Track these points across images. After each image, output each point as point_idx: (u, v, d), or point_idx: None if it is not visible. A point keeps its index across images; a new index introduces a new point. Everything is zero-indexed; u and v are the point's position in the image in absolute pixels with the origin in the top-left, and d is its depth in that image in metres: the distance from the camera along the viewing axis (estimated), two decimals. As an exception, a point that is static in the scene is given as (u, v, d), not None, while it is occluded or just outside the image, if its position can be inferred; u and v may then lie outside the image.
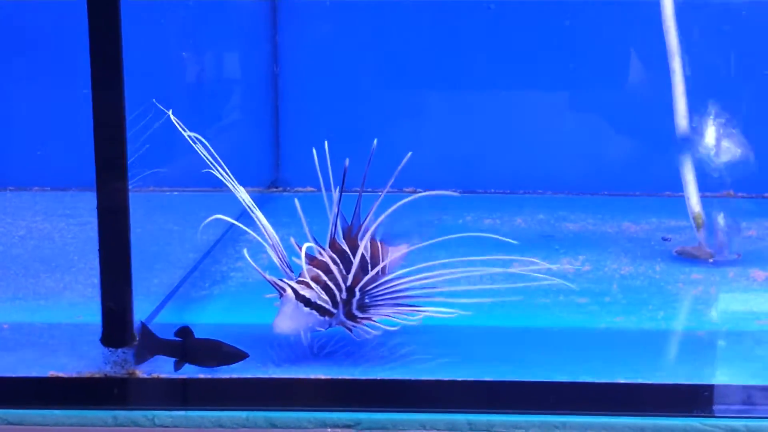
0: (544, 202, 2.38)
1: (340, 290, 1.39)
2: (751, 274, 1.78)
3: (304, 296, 1.37)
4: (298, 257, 1.39)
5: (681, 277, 1.78)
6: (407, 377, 1.33)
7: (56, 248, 1.98)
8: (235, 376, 1.32)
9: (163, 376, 1.33)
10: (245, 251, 1.44)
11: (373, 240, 1.44)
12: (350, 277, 1.39)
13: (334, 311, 1.39)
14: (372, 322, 1.41)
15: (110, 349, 1.37)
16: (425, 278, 1.39)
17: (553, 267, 1.74)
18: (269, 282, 1.38)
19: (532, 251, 1.80)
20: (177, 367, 1.32)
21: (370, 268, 1.42)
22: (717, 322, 1.58)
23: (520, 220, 2.19)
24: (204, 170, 1.46)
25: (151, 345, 1.33)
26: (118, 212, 1.37)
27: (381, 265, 1.42)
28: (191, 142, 1.44)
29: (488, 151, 2.47)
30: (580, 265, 1.83)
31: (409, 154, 1.39)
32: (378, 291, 1.41)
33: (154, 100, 1.45)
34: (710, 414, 1.27)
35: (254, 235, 1.43)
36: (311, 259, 1.41)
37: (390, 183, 1.39)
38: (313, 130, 2.49)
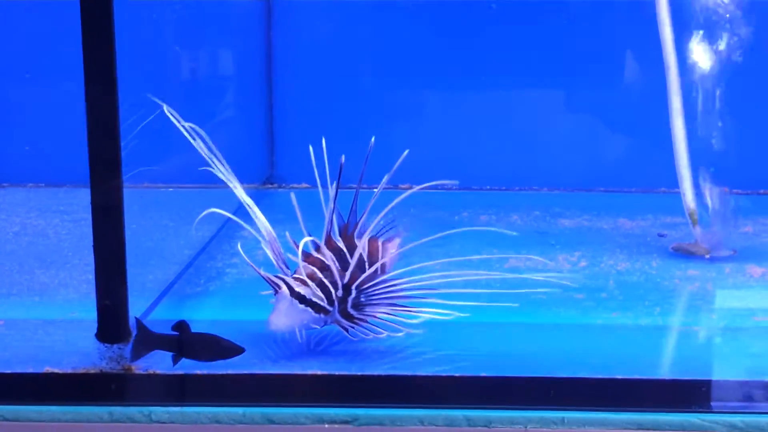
0: (540, 198, 2.38)
1: (336, 288, 1.38)
2: (747, 270, 1.78)
3: (299, 293, 1.36)
4: (294, 254, 1.38)
5: (677, 273, 1.78)
6: (405, 373, 1.32)
7: (51, 244, 1.97)
8: (231, 372, 1.32)
9: (159, 371, 1.32)
10: (239, 247, 1.44)
11: (371, 238, 1.43)
12: (347, 274, 1.39)
13: (330, 309, 1.38)
14: (368, 324, 1.40)
15: (106, 344, 1.37)
16: (422, 279, 1.39)
17: (550, 263, 1.74)
18: (264, 278, 1.38)
19: (528, 248, 1.81)
20: (174, 361, 1.32)
21: (367, 266, 1.41)
22: (714, 318, 1.58)
23: (516, 216, 2.18)
24: (201, 168, 1.45)
25: (147, 340, 1.33)
26: (112, 208, 1.37)
27: (378, 263, 1.41)
28: (188, 135, 1.43)
29: (484, 148, 2.47)
30: (576, 261, 1.83)
31: (406, 152, 1.38)
32: (374, 290, 1.40)
33: (149, 94, 1.44)
34: (708, 410, 1.27)
35: (250, 230, 1.43)
36: (307, 255, 1.41)
37: (385, 180, 1.38)
38: (307, 127, 2.48)
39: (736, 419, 1.26)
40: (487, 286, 1.39)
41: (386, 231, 1.48)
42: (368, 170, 1.41)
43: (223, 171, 1.44)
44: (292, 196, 1.43)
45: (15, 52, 2.44)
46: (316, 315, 1.37)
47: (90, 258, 1.38)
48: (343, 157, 1.39)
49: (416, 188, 1.38)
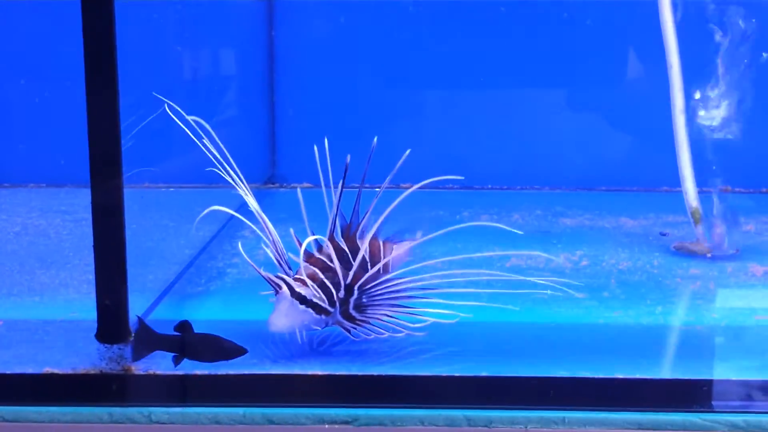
0: (542, 197, 2.38)
1: (337, 289, 1.38)
2: (749, 269, 1.77)
3: (299, 293, 1.36)
4: (297, 253, 1.38)
5: (679, 272, 1.78)
6: (405, 373, 1.32)
7: (51, 245, 1.97)
8: (232, 372, 1.31)
9: (159, 372, 1.32)
10: (240, 246, 1.43)
11: (373, 238, 1.42)
12: (350, 274, 1.38)
13: (331, 310, 1.38)
14: (370, 325, 1.39)
15: (106, 345, 1.37)
16: (424, 278, 1.38)
17: (555, 259, 1.74)
18: (264, 278, 1.38)
19: (530, 247, 1.80)
20: (176, 362, 1.31)
21: (369, 267, 1.40)
22: (715, 317, 1.57)
23: (517, 216, 2.18)
24: (208, 169, 1.44)
25: (148, 341, 1.33)
26: (113, 208, 1.37)
27: (381, 263, 1.40)
28: (191, 135, 1.43)
29: (485, 147, 2.47)
30: (577, 261, 1.82)
31: (408, 151, 1.38)
32: (376, 291, 1.40)
33: (154, 92, 1.44)
34: (709, 409, 1.27)
35: (253, 227, 1.42)
36: (309, 256, 1.40)
37: (387, 180, 1.38)
38: (309, 126, 2.48)
39: (738, 419, 1.25)
40: (488, 286, 1.38)
41: (395, 232, 1.48)
42: (370, 170, 1.40)
43: (229, 170, 1.43)
44: (299, 192, 1.42)
45: (15, 52, 2.43)
46: (317, 316, 1.37)
47: (90, 258, 1.37)
48: (348, 157, 1.38)
49: (420, 184, 1.37)
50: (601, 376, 1.30)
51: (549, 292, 1.42)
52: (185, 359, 1.32)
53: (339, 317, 1.39)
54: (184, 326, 1.32)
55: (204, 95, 2.36)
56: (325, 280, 1.37)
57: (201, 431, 1.27)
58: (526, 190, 2.46)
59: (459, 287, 1.38)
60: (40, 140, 2.45)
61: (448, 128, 2.48)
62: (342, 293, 1.38)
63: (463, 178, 1.38)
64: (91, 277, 1.38)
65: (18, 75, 2.45)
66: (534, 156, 2.47)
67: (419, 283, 1.39)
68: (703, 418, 1.26)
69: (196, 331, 1.33)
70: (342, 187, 1.39)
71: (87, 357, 1.35)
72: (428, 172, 1.39)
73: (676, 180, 1.89)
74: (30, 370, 1.33)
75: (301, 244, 1.37)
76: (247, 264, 1.39)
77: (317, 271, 1.38)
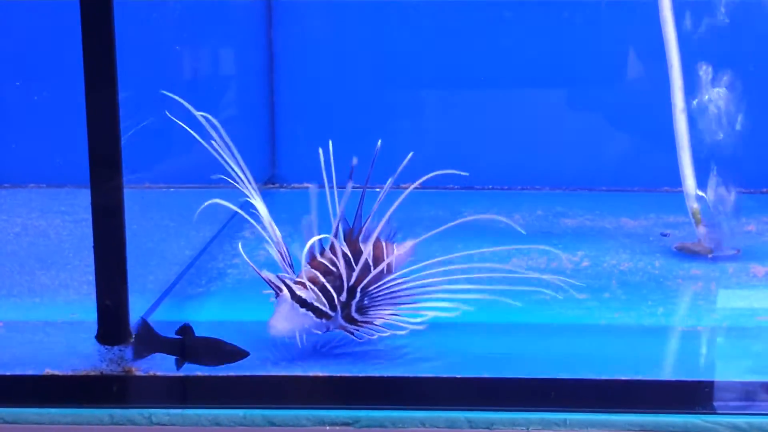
0: (542, 197, 2.38)
1: (339, 292, 1.37)
2: (751, 269, 1.77)
3: (300, 297, 1.35)
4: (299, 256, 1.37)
5: (680, 272, 1.77)
6: (406, 374, 1.32)
7: (52, 245, 1.97)
8: (232, 373, 1.31)
9: (159, 373, 1.32)
10: (240, 247, 1.43)
11: (376, 240, 1.41)
12: (354, 276, 1.37)
13: (332, 314, 1.37)
14: (374, 326, 1.39)
15: (106, 346, 1.37)
16: (425, 277, 1.38)
17: (560, 253, 1.73)
18: (265, 280, 1.37)
19: (530, 247, 1.80)
20: (178, 365, 1.31)
21: (372, 268, 1.40)
22: (717, 318, 1.57)
23: (518, 216, 2.18)
24: (215, 176, 1.44)
25: (150, 342, 1.32)
26: (113, 209, 1.37)
27: (382, 265, 1.39)
28: (197, 136, 1.42)
29: (486, 148, 2.46)
30: (578, 261, 1.82)
31: (411, 154, 1.38)
32: (378, 292, 1.39)
33: (164, 91, 1.43)
34: (711, 411, 1.27)
35: (257, 226, 1.42)
36: (312, 258, 1.39)
37: (390, 183, 1.37)
38: (309, 126, 2.48)
39: (740, 420, 1.25)
40: (490, 283, 1.38)
41: (390, 232, 1.47)
42: (372, 171, 1.40)
43: (236, 170, 1.43)
44: (311, 191, 1.41)
45: (15, 52, 2.43)
46: (318, 320, 1.36)
47: (91, 259, 1.37)
48: (355, 159, 1.37)
49: (421, 180, 1.37)
50: (602, 377, 1.30)
51: (550, 293, 1.42)
52: (187, 363, 1.32)
53: (341, 321, 1.39)
54: (185, 330, 1.32)
55: (203, 95, 2.35)
56: (327, 284, 1.36)
57: (202, 433, 1.28)
58: (526, 190, 2.45)
59: (460, 284, 1.37)
60: (40, 141, 2.45)
61: (449, 128, 2.48)
62: (344, 297, 1.37)
63: (467, 174, 1.38)
64: (92, 278, 1.37)
65: (17, 75, 2.44)
66: (535, 156, 2.46)
67: (421, 281, 1.38)
68: (704, 419, 1.25)
69: (197, 333, 1.33)
70: (351, 187, 1.37)
71: (87, 358, 1.35)
72: (428, 172, 1.39)
73: (677, 180, 1.89)
74: (30, 371, 1.33)
75: (286, 250, 1.36)
76: (248, 264, 1.39)
77: (318, 274, 1.37)
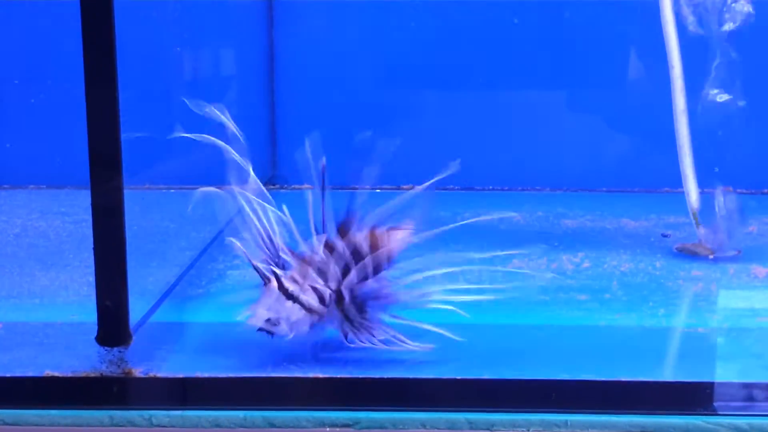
0: (543, 198, 2.38)
1: (331, 288, 1.35)
2: (752, 270, 1.77)
3: (286, 289, 1.34)
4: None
5: (681, 273, 1.77)
6: (406, 375, 1.31)
7: (52, 246, 1.97)
8: (232, 375, 1.31)
9: (159, 375, 1.32)
10: (233, 239, 1.40)
11: (372, 232, 1.40)
12: (352, 271, 1.36)
13: (322, 309, 1.36)
14: (370, 335, 1.38)
15: (106, 348, 1.37)
16: (425, 278, 1.37)
17: (564, 256, 1.73)
18: (255, 269, 1.35)
19: (531, 248, 1.80)
20: None
21: (370, 261, 1.38)
22: (718, 319, 1.57)
23: (518, 216, 2.18)
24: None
25: None
26: (113, 210, 1.37)
27: (383, 250, 1.37)
28: (202, 138, 1.42)
29: (486, 148, 2.46)
30: (579, 262, 1.82)
31: (408, 152, 1.37)
32: (374, 291, 1.38)
33: (183, 98, 1.43)
34: (712, 412, 1.27)
35: (256, 222, 1.41)
36: (304, 255, 1.38)
37: (389, 185, 1.37)
38: (309, 127, 2.47)
39: (741, 422, 1.25)
40: (490, 281, 1.38)
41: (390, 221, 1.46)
42: (370, 170, 1.40)
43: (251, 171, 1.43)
44: (309, 194, 1.40)
45: (15, 52, 2.43)
46: (306, 314, 1.34)
47: (91, 260, 1.37)
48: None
49: (440, 176, 1.37)
50: (603, 378, 1.30)
51: (551, 294, 1.42)
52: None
53: (335, 315, 1.37)
54: None
55: (204, 95, 2.35)
56: (318, 279, 1.35)
57: (201, 434, 1.27)
58: (527, 191, 2.45)
59: (459, 284, 1.37)
60: (40, 141, 2.45)
61: (449, 129, 2.48)
62: (334, 294, 1.36)
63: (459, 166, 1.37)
64: (92, 279, 1.37)
65: (17, 75, 2.44)
66: (535, 157, 2.46)
67: (419, 276, 1.37)
68: (706, 420, 1.25)
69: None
70: (323, 187, 1.36)
71: (87, 360, 1.35)
72: (428, 173, 1.39)
73: (677, 181, 1.88)
74: (30, 373, 1.32)
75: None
76: (248, 265, 1.39)
77: (310, 269, 1.36)
